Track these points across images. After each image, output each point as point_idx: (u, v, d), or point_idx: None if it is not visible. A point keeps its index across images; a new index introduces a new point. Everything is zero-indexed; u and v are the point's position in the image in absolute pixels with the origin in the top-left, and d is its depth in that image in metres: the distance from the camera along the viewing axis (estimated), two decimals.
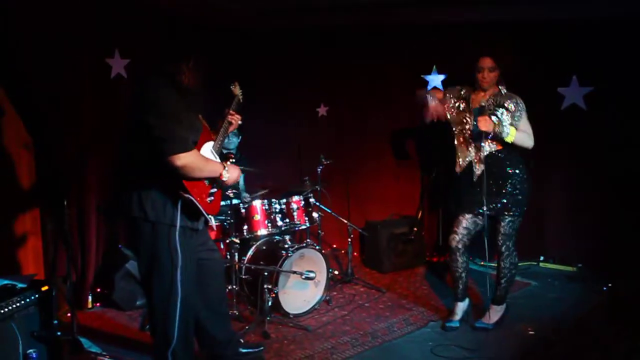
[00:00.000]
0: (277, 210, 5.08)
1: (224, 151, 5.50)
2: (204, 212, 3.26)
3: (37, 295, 3.87)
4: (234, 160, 4.52)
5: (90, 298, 5.07)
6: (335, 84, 6.62)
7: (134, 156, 3.19)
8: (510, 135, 4.19)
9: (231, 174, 3.37)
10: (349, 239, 5.68)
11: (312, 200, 5.36)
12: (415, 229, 5.87)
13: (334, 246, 6.70)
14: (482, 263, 5.97)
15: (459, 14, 5.70)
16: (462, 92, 4.57)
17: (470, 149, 4.46)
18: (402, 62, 6.37)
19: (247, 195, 5.66)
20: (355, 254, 6.69)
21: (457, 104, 4.57)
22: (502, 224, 4.35)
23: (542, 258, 6.21)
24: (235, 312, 4.68)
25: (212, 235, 4.95)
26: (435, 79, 6.31)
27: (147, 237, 3.19)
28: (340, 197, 6.74)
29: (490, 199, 4.30)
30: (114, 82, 5.11)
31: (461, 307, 4.63)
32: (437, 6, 5.28)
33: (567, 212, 6.03)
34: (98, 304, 5.11)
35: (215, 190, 3.42)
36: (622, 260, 5.44)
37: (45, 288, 3.96)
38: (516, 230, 4.40)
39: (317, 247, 5.09)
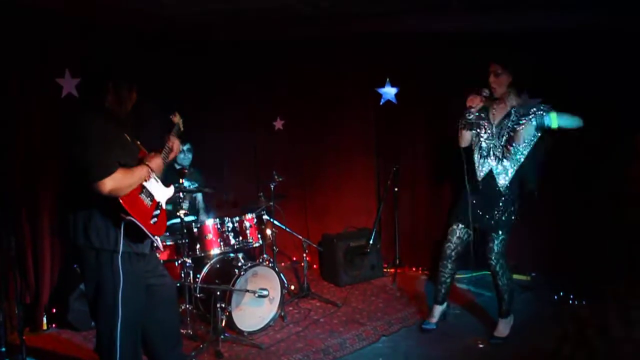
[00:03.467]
0: (230, 228, 5.10)
1: (177, 167, 5.54)
2: (148, 233, 3.28)
3: None
4: (178, 184, 4.59)
5: (45, 319, 5.03)
6: (291, 98, 6.67)
7: (73, 183, 3.21)
8: (553, 122, 4.20)
9: (155, 167, 3.39)
10: (304, 254, 5.71)
11: (265, 217, 5.39)
12: (371, 241, 5.93)
13: (294, 259, 6.74)
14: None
15: (412, 27, 5.78)
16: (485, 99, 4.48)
17: (479, 160, 4.52)
18: (357, 75, 6.44)
19: (205, 217, 5.68)
20: (315, 266, 6.75)
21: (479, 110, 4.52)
22: (496, 242, 4.42)
23: None
24: (189, 331, 4.70)
25: (165, 255, 4.97)
26: (389, 92, 6.39)
27: (92, 264, 3.21)
28: (298, 210, 6.80)
29: (482, 214, 4.45)
30: (65, 102, 5.08)
31: (440, 310, 4.82)
32: (390, 18, 5.35)
33: (522, 221, 6.13)
34: (54, 325, 5.07)
35: (158, 212, 3.44)
36: (573, 268, 5.56)
37: None
38: (506, 248, 4.47)
39: (271, 265, 5.13)
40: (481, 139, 4.52)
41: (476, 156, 4.55)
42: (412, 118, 6.46)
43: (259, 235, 5.29)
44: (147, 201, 3.34)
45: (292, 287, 5.87)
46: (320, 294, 5.81)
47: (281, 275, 5.13)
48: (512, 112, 4.39)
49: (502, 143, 4.40)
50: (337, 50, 6.37)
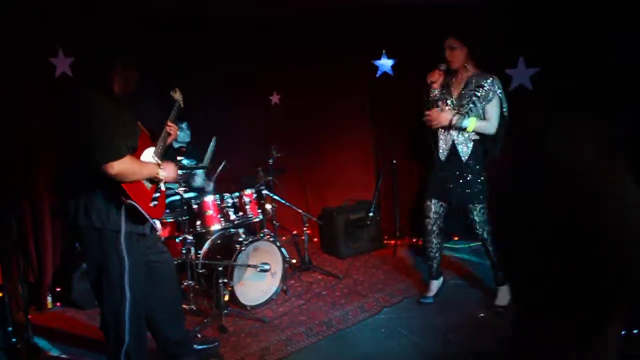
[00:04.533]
0: (230, 204, 5.12)
1: (176, 145, 5.54)
2: (147, 217, 3.30)
3: None
4: (180, 159, 4.61)
5: (49, 299, 5.07)
6: (287, 72, 6.63)
7: (73, 163, 3.21)
8: (470, 125, 4.31)
9: (167, 172, 3.41)
10: (305, 227, 5.73)
11: (264, 192, 5.40)
12: (371, 214, 5.95)
13: (294, 232, 6.76)
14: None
15: None
16: (445, 78, 4.58)
17: (441, 134, 4.56)
18: (351, 48, 6.40)
19: (210, 184, 5.68)
20: (315, 239, 6.78)
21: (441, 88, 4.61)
22: (475, 212, 4.45)
23: None
24: (192, 306, 4.73)
25: (166, 232, 4.99)
26: (385, 64, 6.36)
27: (94, 245, 3.22)
28: (297, 184, 6.82)
29: (452, 188, 4.48)
30: (59, 82, 5.06)
31: (436, 284, 4.87)
32: None
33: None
34: (58, 304, 5.11)
35: (158, 194, 3.46)
36: None
37: None
38: (487, 216, 4.49)
39: (272, 239, 5.15)
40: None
41: (440, 130, 4.59)
42: (409, 90, 6.41)
43: (259, 210, 5.31)
44: (147, 184, 3.35)
45: (294, 261, 5.90)
46: (322, 266, 5.86)
47: (282, 249, 5.16)
48: (471, 80, 4.42)
49: (464, 112, 4.41)
50: (333, 22, 6.31)
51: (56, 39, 5.04)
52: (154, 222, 3.41)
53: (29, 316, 4.22)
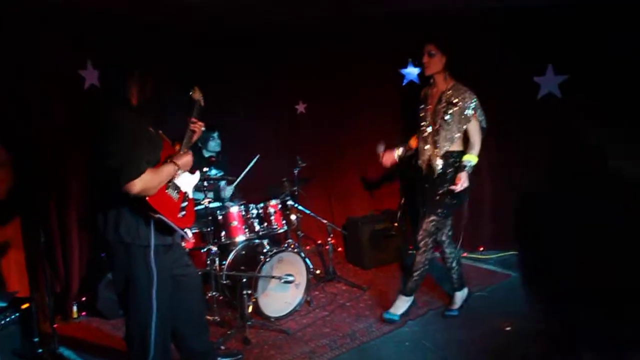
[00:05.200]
0: (255, 215, 5.12)
1: (207, 154, 5.56)
2: (177, 228, 3.30)
3: (17, 314, 3.96)
4: (205, 171, 4.62)
5: (75, 308, 5.11)
6: (314, 81, 6.61)
7: (102, 178, 3.22)
8: (472, 160, 4.33)
9: (183, 165, 3.39)
10: (329, 238, 5.70)
11: (289, 202, 5.39)
12: (396, 224, 5.91)
13: (319, 242, 6.73)
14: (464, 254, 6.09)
15: (432, 4, 5.70)
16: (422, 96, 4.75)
17: (426, 147, 4.58)
18: (378, 56, 6.35)
19: (229, 203, 5.70)
20: (339, 249, 6.74)
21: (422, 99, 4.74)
22: (427, 220, 4.48)
23: None
24: (216, 318, 4.74)
25: (191, 243, 5.00)
26: (412, 73, 6.32)
27: (122, 258, 3.23)
28: (322, 194, 6.80)
29: (424, 195, 4.58)
30: (88, 94, 5.12)
31: (459, 296, 4.82)
32: None
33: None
34: (84, 313, 5.15)
35: (186, 203, 3.46)
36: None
37: (25, 306, 4.05)
38: (438, 230, 4.51)
39: (296, 250, 5.14)
40: (422, 126, 4.61)
41: (420, 143, 4.66)
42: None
43: (284, 221, 5.30)
44: (174, 195, 3.34)
45: (318, 271, 5.87)
46: (346, 277, 5.81)
47: (306, 260, 5.13)
48: (444, 96, 4.44)
49: (437, 127, 4.44)
50: (358, 31, 6.28)
51: (85, 51, 5.09)
52: (185, 232, 3.42)
53: (55, 326, 4.27)
